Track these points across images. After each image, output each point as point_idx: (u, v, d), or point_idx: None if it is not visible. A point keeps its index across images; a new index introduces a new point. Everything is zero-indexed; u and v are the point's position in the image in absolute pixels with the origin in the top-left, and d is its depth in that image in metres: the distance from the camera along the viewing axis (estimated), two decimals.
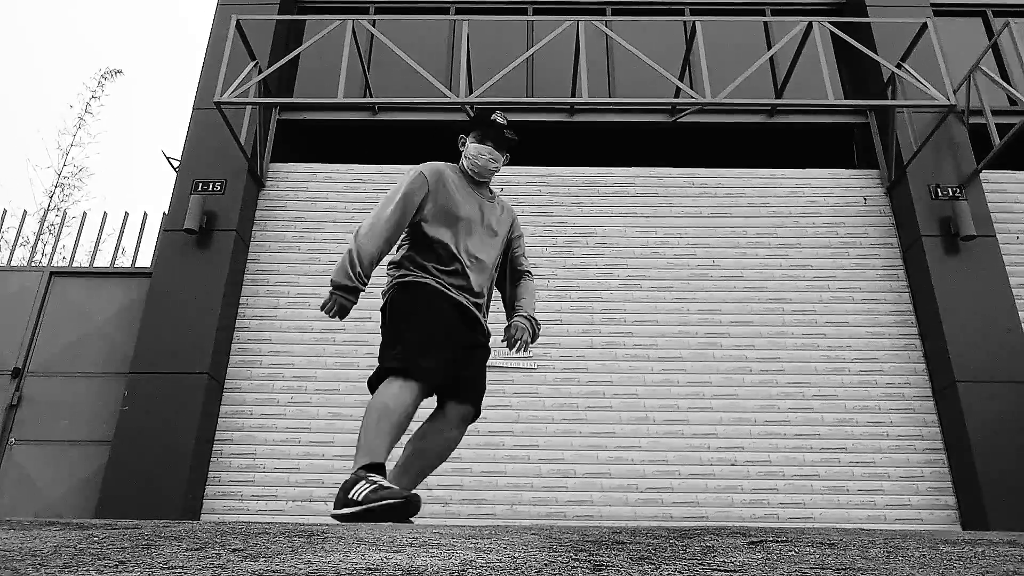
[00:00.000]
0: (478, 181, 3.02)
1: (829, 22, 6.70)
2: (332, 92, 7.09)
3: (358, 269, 2.75)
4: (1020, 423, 5.67)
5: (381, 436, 2.57)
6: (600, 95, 7.50)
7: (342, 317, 2.79)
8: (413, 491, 2.53)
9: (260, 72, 6.62)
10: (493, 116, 3.02)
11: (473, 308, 2.90)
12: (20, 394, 6.16)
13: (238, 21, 6.35)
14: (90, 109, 15.88)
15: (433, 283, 2.81)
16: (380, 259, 2.83)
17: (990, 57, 7.38)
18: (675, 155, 7.38)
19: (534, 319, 3.13)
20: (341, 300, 2.76)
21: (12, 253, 7.12)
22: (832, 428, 6.07)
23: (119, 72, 16.56)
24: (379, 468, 2.55)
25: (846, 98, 7.45)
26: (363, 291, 2.80)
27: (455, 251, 2.85)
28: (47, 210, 14.09)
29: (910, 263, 6.56)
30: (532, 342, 3.05)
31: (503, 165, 3.06)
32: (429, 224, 2.86)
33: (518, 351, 3.03)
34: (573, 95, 7.23)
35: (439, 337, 2.73)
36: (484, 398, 3.00)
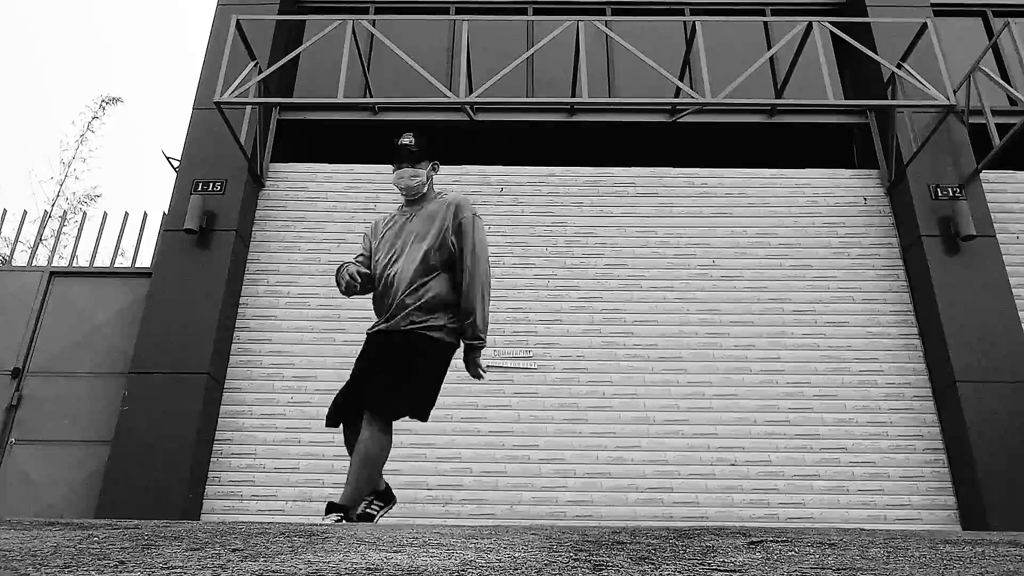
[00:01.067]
0: (411, 200, 3.27)
1: (829, 22, 6.70)
2: (332, 92, 7.09)
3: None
4: (1020, 423, 5.67)
5: None
6: (600, 95, 7.50)
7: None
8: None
9: (260, 72, 6.62)
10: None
11: (384, 324, 3.09)
12: (20, 394, 6.16)
13: (238, 21, 6.35)
14: (91, 128, 15.98)
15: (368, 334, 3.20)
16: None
17: (990, 57, 7.38)
18: (675, 155, 7.37)
19: (473, 332, 3.08)
20: None
21: (12, 253, 7.12)
22: (832, 428, 6.07)
23: (119, 100, 16.75)
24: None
25: (846, 98, 7.44)
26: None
27: (377, 279, 3.15)
28: (48, 214, 14.11)
29: (910, 263, 6.55)
30: (482, 371, 3.14)
31: (414, 172, 3.20)
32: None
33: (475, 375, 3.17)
34: (573, 95, 7.23)
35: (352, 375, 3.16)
36: (387, 393, 3.01)
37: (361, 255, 3.29)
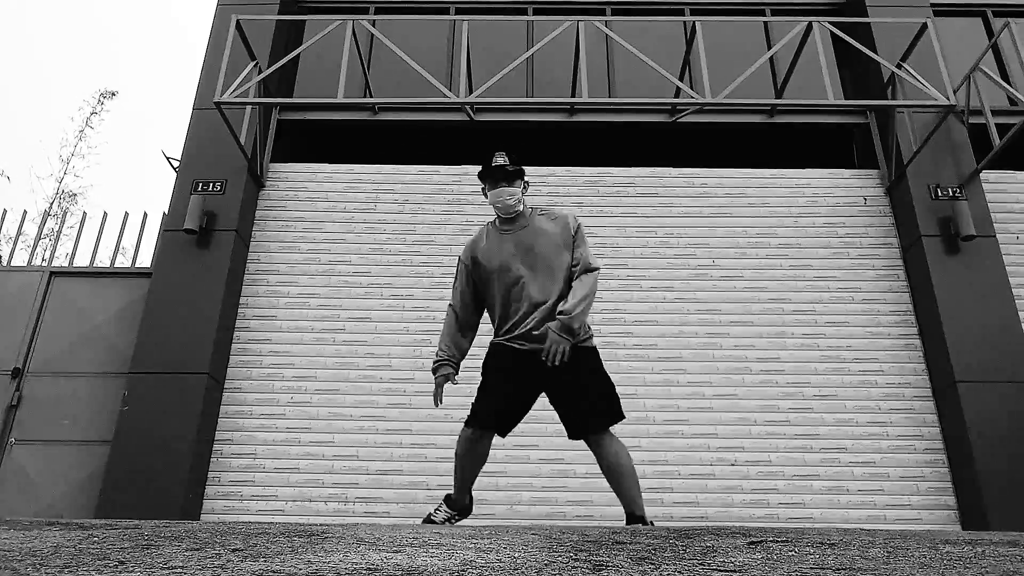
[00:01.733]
0: (510, 218, 3.29)
1: (829, 22, 6.70)
2: (332, 92, 7.09)
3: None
4: (1020, 423, 5.66)
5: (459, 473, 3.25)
6: (600, 95, 7.50)
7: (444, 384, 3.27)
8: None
9: (260, 72, 6.62)
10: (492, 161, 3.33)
11: (529, 344, 3.12)
12: (20, 394, 6.16)
13: (238, 21, 6.35)
14: (90, 123, 15.90)
15: (498, 343, 3.21)
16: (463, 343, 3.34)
17: (990, 57, 7.38)
18: (675, 155, 7.37)
19: (567, 325, 3.03)
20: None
21: (12, 253, 7.12)
22: (832, 428, 6.07)
23: (115, 94, 16.74)
24: None
25: (846, 98, 7.44)
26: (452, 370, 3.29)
27: (501, 303, 3.19)
28: (47, 213, 14.02)
29: (910, 263, 6.55)
30: (560, 353, 3.00)
31: (518, 189, 3.27)
32: (481, 292, 3.32)
33: (552, 363, 3.03)
34: (573, 95, 7.23)
35: (493, 387, 3.17)
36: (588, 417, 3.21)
37: (460, 291, 3.35)
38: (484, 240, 3.32)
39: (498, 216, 3.33)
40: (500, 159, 3.28)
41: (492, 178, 3.26)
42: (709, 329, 6.44)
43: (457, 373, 3.27)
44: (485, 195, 3.33)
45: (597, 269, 3.20)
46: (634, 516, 3.01)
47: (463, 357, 3.30)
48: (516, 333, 3.14)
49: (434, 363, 3.27)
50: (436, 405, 3.20)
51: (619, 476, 3.07)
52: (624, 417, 3.13)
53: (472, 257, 3.31)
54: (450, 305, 3.37)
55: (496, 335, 3.24)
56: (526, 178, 3.35)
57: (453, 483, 3.27)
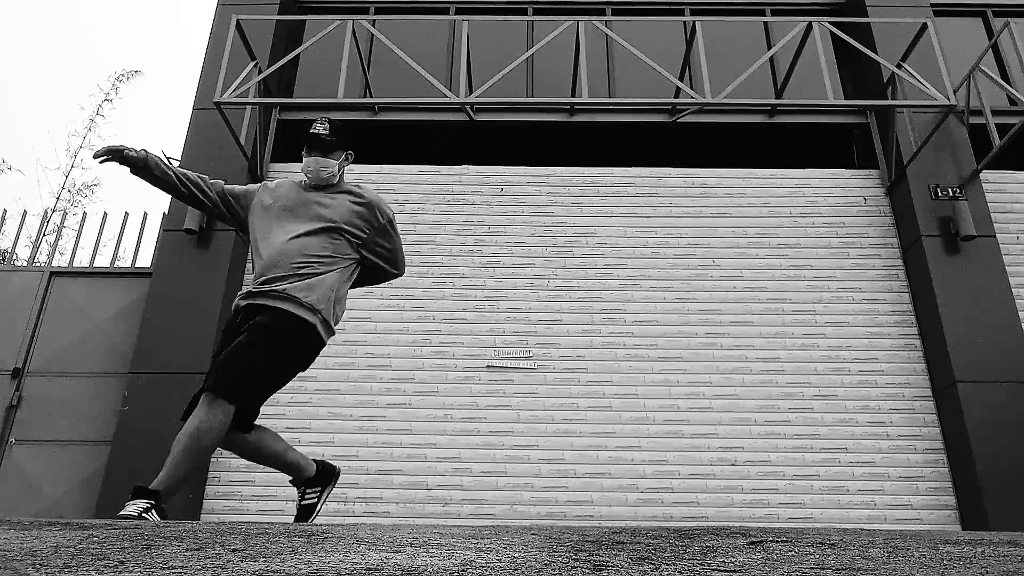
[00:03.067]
0: (319, 187, 3.17)
1: (829, 22, 6.70)
2: (332, 92, 7.09)
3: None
4: (1020, 423, 5.67)
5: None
6: (600, 95, 7.50)
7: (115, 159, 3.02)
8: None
9: (260, 72, 6.62)
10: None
11: (245, 299, 3.13)
12: (20, 394, 6.16)
13: (238, 21, 6.35)
14: (102, 111, 15.44)
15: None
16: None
17: (990, 57, 7.38)
18: (675, 155, 7.37)
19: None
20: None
21: (13, 253, 7.11)
22: (832, 428, 6.07)
23: (137, 72, 16.04)
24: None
25: (846, 98, 7.45)
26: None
27: (258, 247, 3.12)
28: (51, 211, 13.98)
29: (910, 263, 6.56)
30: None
31: (325, 161, 3.14)
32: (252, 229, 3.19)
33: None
34: (573, 95, 7.23)
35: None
36: (230, 374, 2.95)
37: (234, 194, 3.30)
38: (281, 186, 3.29)
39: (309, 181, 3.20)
40: (319, 126, 3.16)
41: (307, 145, 3.16)
42: (709, 329, 6.44)
43: (147, 173, 3.11)
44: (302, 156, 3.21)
45: (401, 265, 3.47)
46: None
47: (163, 180, 3.18)
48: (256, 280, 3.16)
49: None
50: (97, 157, 2.99)
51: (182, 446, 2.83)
52: (234, 402, 2.84)
53: (262, 191, 3.30)
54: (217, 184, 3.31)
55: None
56: (350, 155, 3.22)
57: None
